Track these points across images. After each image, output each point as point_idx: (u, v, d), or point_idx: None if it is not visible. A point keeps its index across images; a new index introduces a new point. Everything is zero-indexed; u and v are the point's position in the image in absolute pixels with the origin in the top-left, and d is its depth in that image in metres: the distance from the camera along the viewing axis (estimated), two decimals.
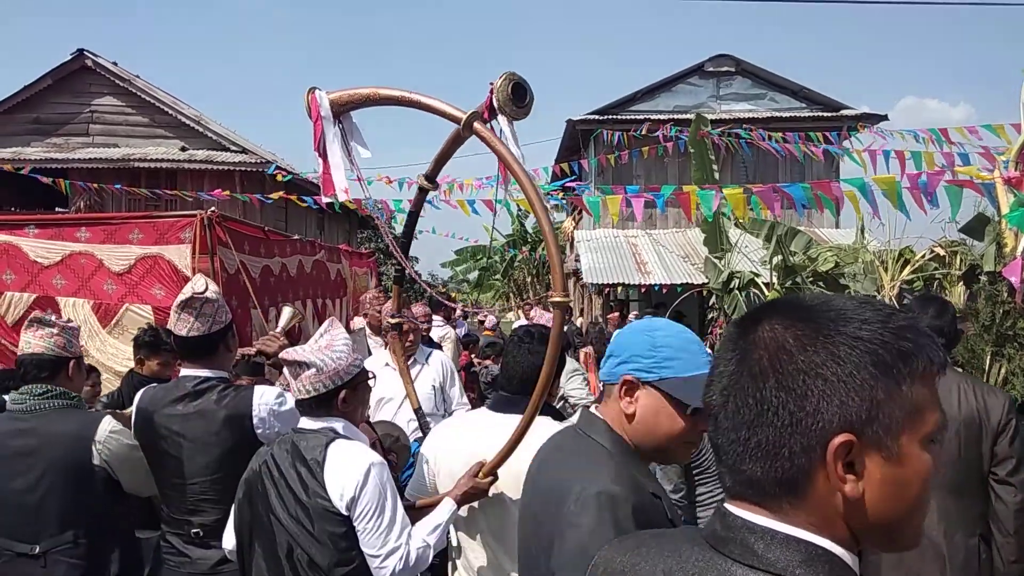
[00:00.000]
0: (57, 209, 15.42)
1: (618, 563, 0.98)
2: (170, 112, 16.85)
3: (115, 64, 17.10)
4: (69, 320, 3.08)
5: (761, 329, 0.85)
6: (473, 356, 9.09)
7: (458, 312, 12.66)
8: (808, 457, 0.81)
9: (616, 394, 1.54)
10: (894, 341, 0.81)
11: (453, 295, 26.74)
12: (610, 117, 16.51)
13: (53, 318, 2.95)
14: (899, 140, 10.67)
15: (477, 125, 2.22)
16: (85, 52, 16.56)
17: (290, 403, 2.65)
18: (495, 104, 2.19)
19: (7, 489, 2.69)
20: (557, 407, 5.92)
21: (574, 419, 5.36)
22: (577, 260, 15.15)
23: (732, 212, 10.93)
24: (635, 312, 13.25)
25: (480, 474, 2.19)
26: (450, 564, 2.43)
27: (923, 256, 9.82)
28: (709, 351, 1.67)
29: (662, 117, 15.44)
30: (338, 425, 2.24)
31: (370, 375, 2.39)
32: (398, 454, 3.19)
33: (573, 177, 13.98)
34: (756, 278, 10.05)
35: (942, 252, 10.08)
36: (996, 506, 2.89)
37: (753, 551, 0.82)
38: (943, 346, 0.92)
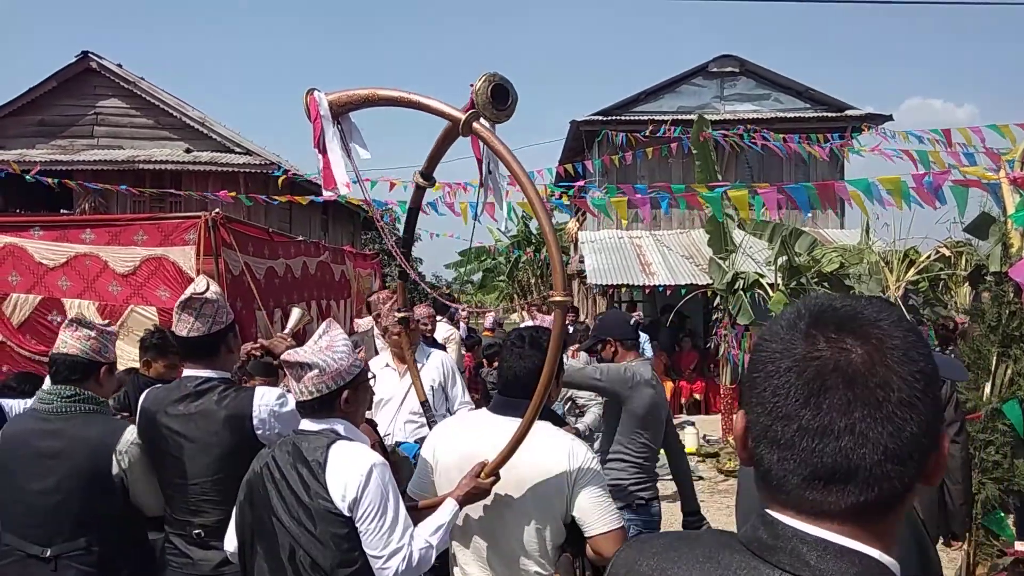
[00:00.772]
0: (62, 211, 15.45)
1: (643, 567, 0.95)
2: (175, 114, 16.89)
3: (120, 66, 17.15)
4: (109, 323, 3.09)
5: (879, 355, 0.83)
6: (483, 358, 9.08)
7: (461, 313, 12.64)
8: (912, 480, 0.83)
9: None
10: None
11: (457, 296, 26.74)
12: (614, 118, 16.49)
13: (95, 321, 2.94)
14: (902, 141, 10.65)
15: (476, 125, 2.21)
16: (90, 54, 16.60)
17: (291, 404, 2.65)
18: (475, 106, 2.16)
19: (26, 489, 2.69)
20: (565, 407, 5.95)
21: (587, 419, 5.26)
22: (581, 261, 15.14)
23: (736, 213, 10.92)
24: (638, 313, 13.23)
25: (482, 475, 2.19)
26: (452, 565, 2.43)
27: (928, 257, 9.80)
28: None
29: (666, 118, 15.43)
30: (339, 426, 2.24)
31: (370, 375, 2.40)
32: (399, 465, 3.19)
33: (579, 181, 13.97)
34: (761, 279, 10.03)
35: (947, 252, 10.06)
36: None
37: (805, 562, 0.81)
38: None
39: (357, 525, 2.10)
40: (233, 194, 11.41)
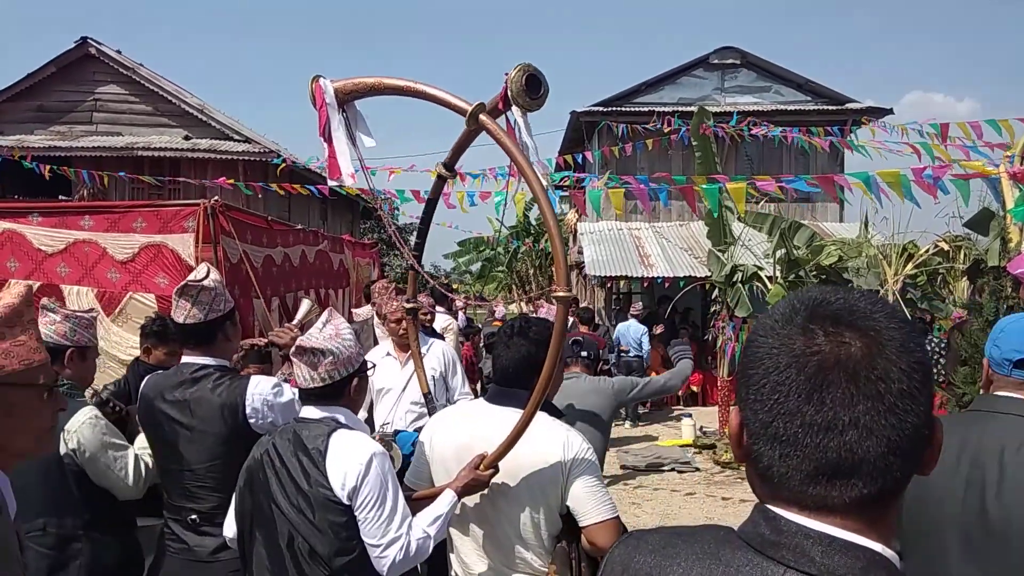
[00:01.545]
0: (60, 197, 15.42)
1: (641, 564, 0.94)
2: (174, 101, 16.85)
3: (119, 52, 17.08)
4: (91, 309, 3.09)
5: (880, 351, 0.83)
6: (480, 346, 9.11)
7: (459, 303, 12.64)
8: (911, 471, 0.84)
9: None
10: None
11: (455, 286, 26.74)
12: (614, 109, 16.47)
13: (57, 306, 2.96)
14: (903, 134, 10.63)
15: (483, 117, 2.22)
16: (89, 40, 16.54)
17: (287, 394, 2.66)
18: (509, 95, 2.18)
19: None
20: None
21: None
22: (580, 252, 15.13)
23: (735, 206, 10.92)
24: (635, 305, 13.24)
25: (481, 466, 2.20)
26: (449, 554, 2.44)
27: (927, 251, 9.82)
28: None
29: (666, 109, 15.40)
30: (340, 415, 2.25)
31: (370, 365, 2.41)
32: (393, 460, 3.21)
33: (581, 172, 13.95)
34: (759, 271, 10.05)
35: (946, 247, 10.07)
36: None
37: (810, 557, 0.81)
38: None
39: (356, 514, 2.10)
40: (232, 182, 11.40)
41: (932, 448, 0.86)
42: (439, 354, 4.50)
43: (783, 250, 9.34)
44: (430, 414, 3.40)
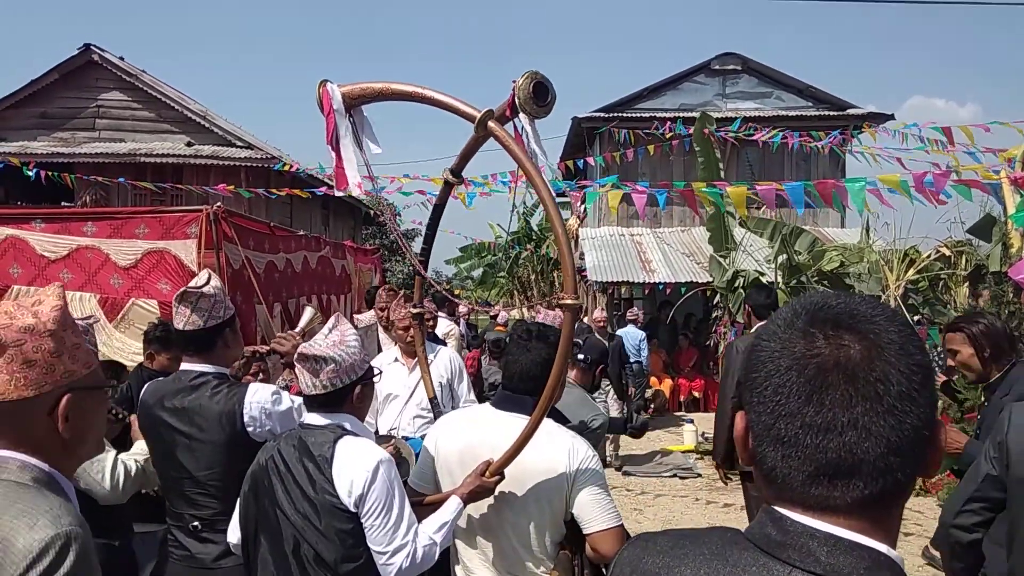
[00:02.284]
0: (63, 204, 15.45)
1: (649, 564, 0.95)
2: (176, 107, 16.87)
3: (122, 59, 17.11)
4: (90, 316, 3.09)
5: (879, 351, 0.85)
6: (483, 357, 9.09)
7: (461, 309, 12.63)
8: (913, 472, 0.85)
9: None
10: None
11: (457, 292, 26.72)
12: (616, 115, 16.49)
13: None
14: (903, 140, 10.63)
15: (491, 124, 2.22)
16: (92, 47, 16.58)
17: (286, 403, 2.66)
18: (516, 102, 2.20)
19: None
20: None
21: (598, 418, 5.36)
22: (581, 258, 15.14)
23: (736, 210, 10.92)
24: (631, 310, 13.24)
25: (487, 473, 2.20)
26: (453, 561, 2.44)
27: (928, 256, 9.82)
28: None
29: (668, 115, 15.42)
30: (346, 422, 2.25)
31: (376, 371, 2.41)
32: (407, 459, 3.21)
33: (585, 179, 13.97)
34: (761, 277, 10.05)
35: (948, 252, 10.07)
36: None
37: (815, 557, 0.82)
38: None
39: (362, 521, 2.10)
40: (232, 187, 11.41)
41: (934, 450, 0.87)
42: (446, 361, 4.51)
43: (784, 255, 9.34)
44: (435, 418, 3.41)
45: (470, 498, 2.22)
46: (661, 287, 13.57)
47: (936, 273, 9.90)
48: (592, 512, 2.17)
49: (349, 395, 2.25)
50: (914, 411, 0.83)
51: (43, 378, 1.36)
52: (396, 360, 4.48)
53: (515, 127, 2.27)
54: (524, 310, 20.23)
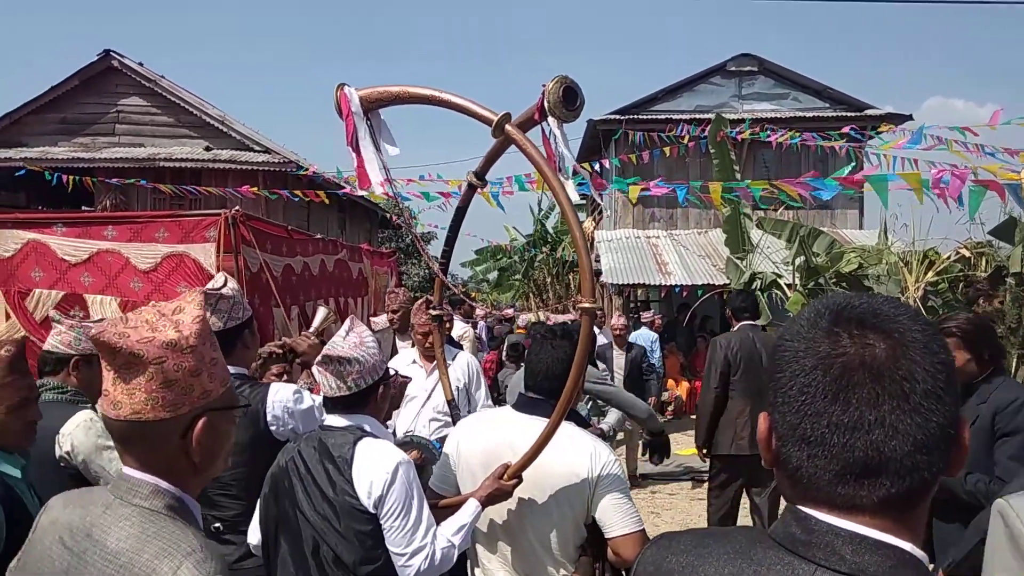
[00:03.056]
0: (83, 208, 15.61)
1: (672, 563, 0.95)
2: (195, 112, 17.02)
3: (141, 65, 17.29)
4: (101, 319, 3.13)
5: (904, 347, 0.85)
6: (506, 357, 9.07)
7: (479, 312, 12.65)
8: (939, 470, 0.85)
9: None
10: None
11: (473, 295, 26.76)
12: (631, 117, 16.46)
13: (61, 316, 3.03)
14: (924, 140, 10.53)
15: (509, 128, 2.24)
16: (111, 53, 16.76)
17: (307, 401, 2.68)
18: (546, 106, 2.21)
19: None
20: (588, 407, 5.99)
21: (609, 420, 5.50)
22: (597, 260, 15.12)
23: (753, 212, 10.85)
24: (645, 313, 13.20)
25: (505, 476, 2.20)
26: (472, 564, 2.45)
27: (948, 258, 9.71)
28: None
29: (684, 117, 15.38)
30: (366, 423, 2.26)
31: (392, 372, 2.42)
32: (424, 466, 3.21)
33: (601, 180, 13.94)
34: (778, 279, 9.99)
35: (967, 254, 9.95)
36: None
37: (840, 556, 0.83)
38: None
39: (381, 522, 2.11)
40: (255, 189, 11.49)
41: (959, 448, 0.87)
42: (463, 365, 4.51)
43: (802, 257, 9.27)
44: (454, 421, 3.42)
45: (488, 501, 2.22)
46: (677, 290, 13.52)
47: (956, 275, 9.79)
48: (614, 516, 2.17)
49: (372, 396, 2.27)
50: (940, 409, 0.83)
51: (181, 399, 1.28)
52: (414, 362, 4.50)
53: (543, 131, 2.29)
54: (540, 313, 20.22)
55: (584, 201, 17.64)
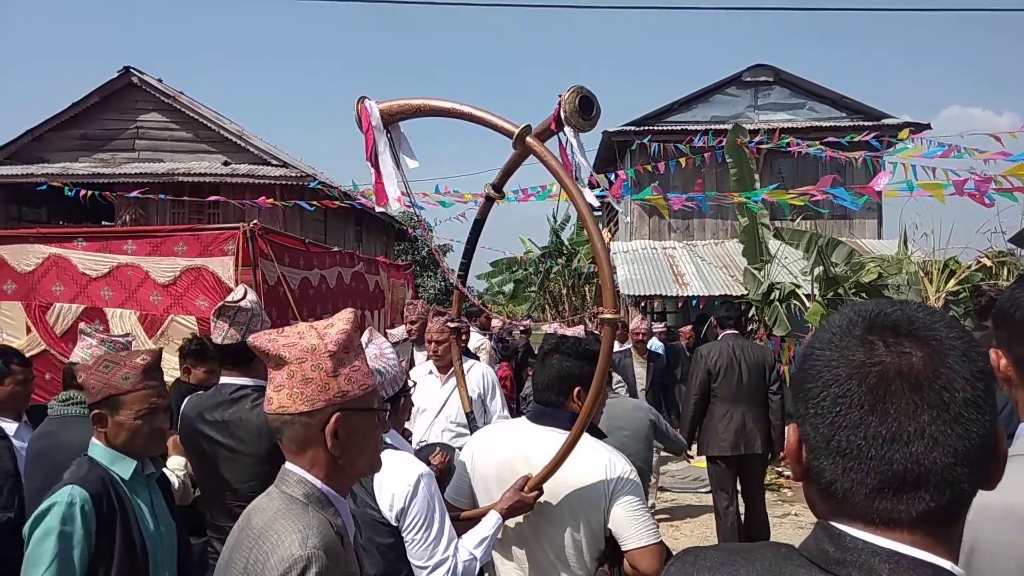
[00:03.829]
0: (104, 223, 15.78)
1: None
2: (213, 127, 17.19)
3: (160, 81, 17.50)
4: (128, 334, 3.16)
5: (943, 359, 0.82)
6: (528, 371, 9.03)
7: (495, 323, 12.65)
8: (978, 483, 0.83)
9: None
10: None
11: (489, 307, 26.77)
12: (647, 128, 16.46)
13: (98, 329, 3.04)
14: (941, 146, 10.43)
15: (530, 139, 2.24)
16: (131, 70, 16.97)
17: None
18: (562, 115, 2.21)
19: (28, 489, 2.84)
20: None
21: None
22: (613, 271, 15.09)
23: (771, 222, 10.79)
24: (656, 324, 13.12)
25: (526, 488, 2.19)
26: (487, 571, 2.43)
27: (969, 267, 9.60)
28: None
29: (699, 128, 15.36)
30: (386, 435, 2.25)
31: (411, 383, 2.42)
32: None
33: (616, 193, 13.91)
34: (797, 289, 9.91)
35: (989, 263, 9.84)
36: (772, 406, 5.84)
37: (877, 574, 0.79)
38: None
39: (403, 535, 2.10)
40: (272, 200, 11.57)
41: (997, 461, 0.84)
42: (479, 376, 4.50)
43: (821, 267, 9.20)
44: (471, 433, 3.41)
45: (509, 513, 2.20)
46: (695, 301, 13.46)
47: (977, 284, 9.68)
48: (630, 529, 2.14)
49: (394, 407, 2.26)
50: (980, 419, 0.81)
51: (317, 396, 1.46)
52: (430, 372, 4.50)
53: (560, 141, 2.29)
54: (556, 324, 20.19)
55: (600, 212, 17.63)
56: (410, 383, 2.39)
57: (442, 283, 31.74)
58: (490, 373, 4.66)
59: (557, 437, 2.18)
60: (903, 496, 0.81)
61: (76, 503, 2.04)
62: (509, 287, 28.05)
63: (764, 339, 10.29)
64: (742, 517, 6.05)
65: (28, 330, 5.87)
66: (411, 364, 5.30)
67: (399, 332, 6.73)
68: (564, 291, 25.82)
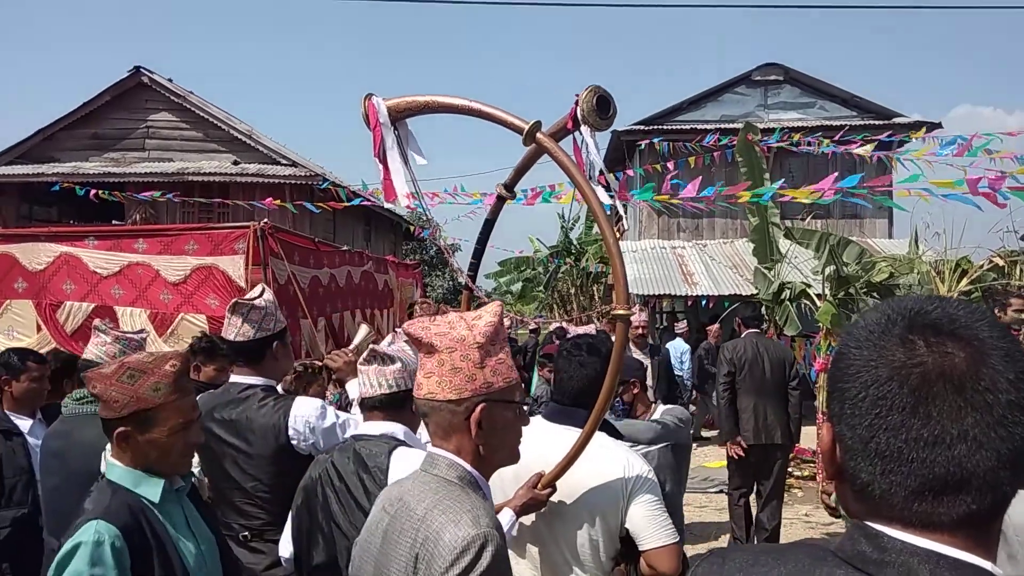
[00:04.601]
0: (114, 222, 15.85)
1: None
2: (223, 127, 17.24)
3: (170, 80, 17.57)
4: (142, 331, 3.16)
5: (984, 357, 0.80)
6: (541, 371, 9.01)
7: (505, 323, 12.63)
8: (1018, 486, 0.81)
9: None
10: None
11: None
12: (656, 127, 16.42)
13: (109, 327, 3.03)
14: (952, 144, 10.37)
15: (540, 136, 2.23)
16: (141, 69, 17.05)
17: (331, 418, 2.67)
18: (579, 115, 2.20)
19: (44, 487, 2.83)
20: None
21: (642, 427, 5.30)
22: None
23: (781, 221, 10.74)
24: (678, 324, 13.08)
25: (539, 485, 2.17)
26: None
27: (981, 266, 9.53)
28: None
29: (709, 127, 15.32)
30: (399, 432, 2.25)
31: None
32: None
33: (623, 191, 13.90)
34: (808, 289, 9.86)
35: (1001, 262, 9.77)
36: (791, 400, 6.21)
37: (917, 575, 0.78)
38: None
39: None
40: (279, 202, 11.59)
41: None
42: None
43: (832, 267, 9.15)
44: None
45: (523, 511, 2.19)
46: (704, 301, 13.42)
47: (989, 284, 9.61)
48: (648, 529, 2.12)
49: (410, 401, 2.26)
50: (1023, 421, 0.78)
51: (464, 385, 1.52)
52: None
53: (575, 140, 2.28)
54: (564, 324, 20.17)
55: (612, 214, 17.62)
56: None
57: (450, 282, 31.76)
58: None
59: (573, 436, 2.16)
60: (944, 499, 0.79)
61: (104, 541, 1.77)
62: (517, 287, 28.02)
63: (775, 338, 10.27)
64: (753, 510, 6.30)
65: (38, 328, 5.90)
66: None
67: None
68: (572, 291, 25.78)
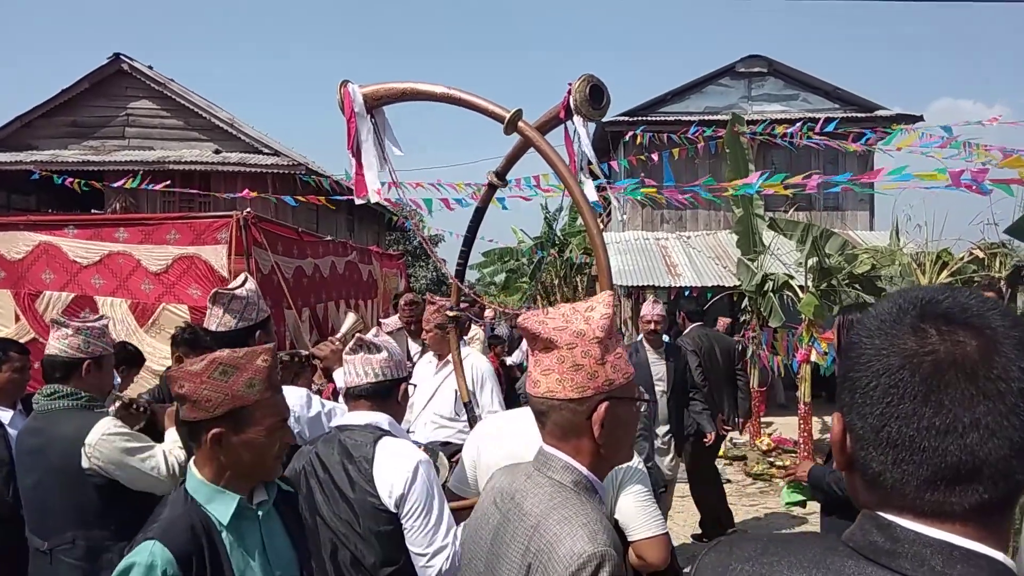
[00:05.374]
0: (93, 211, 15.66)
1: (737, 571, 0.90)
2: (204, 115, 17.06)
3: (150, 68, 17.35)
4: (102, 317, 3.09)
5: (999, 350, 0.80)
6: (507, 360, 9.01)
7: (487, 313, 12.65)
8: None
9: None
10: None
11: (482, 296, 26.74)
12: (640, 119, 16.42)
13: (66, 319, 2.95)
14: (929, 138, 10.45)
15: (522, 124, 2.22)
16: (121, 56, 16.82)
17: (316, 407, 2.65)
18: (572, 104, 2.19)
19: (22, 486, 2.78)
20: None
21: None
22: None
23: (765, 213, 10.78)
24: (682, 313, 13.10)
25: None
26: None
27: (961, 258, 9.63)
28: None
29: (692, 119, 15.34)
30: (384, 422, 2.23)
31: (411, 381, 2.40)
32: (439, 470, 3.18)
33: (609, 182, 13.90)
34: (790, 280, 9.93)
35: (981, 254, 9.88)
36: (739, 383, 7.04)
37: (930, 567, 0.78)
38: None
39: (402, 522, 2.09)
40: (255, 193, 11.49)
41: None
42: (469, 367, 4.45)
43: (815, 259, 9.21)
44: (471, 424, 3.38)
45: None
46: (688, 293, 13.47)
47: (970, 276, 9.72)
48: (638, 519, 2.13)
49: (395, 392, 2.25)
50: None
51: (587, 383, 1.43)
52: (429, 362, 4.45)
53: (567, 129, 2.27)
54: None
55: (601, 207, 17.61)
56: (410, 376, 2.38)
57: (434, 273, 31.69)
58: (481, 365, 4.58)
59: None
60: (956, 488, 0.79)
61: (157, 566, 1.62)
62: (501, 277, 27.98)
63: (757, 330, 10.33)
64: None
65: (17, 318, 5.81)
66: (407, 355, 5.27)
67: (392, 321, 6.71)
68: (556, 281, 25.78)
